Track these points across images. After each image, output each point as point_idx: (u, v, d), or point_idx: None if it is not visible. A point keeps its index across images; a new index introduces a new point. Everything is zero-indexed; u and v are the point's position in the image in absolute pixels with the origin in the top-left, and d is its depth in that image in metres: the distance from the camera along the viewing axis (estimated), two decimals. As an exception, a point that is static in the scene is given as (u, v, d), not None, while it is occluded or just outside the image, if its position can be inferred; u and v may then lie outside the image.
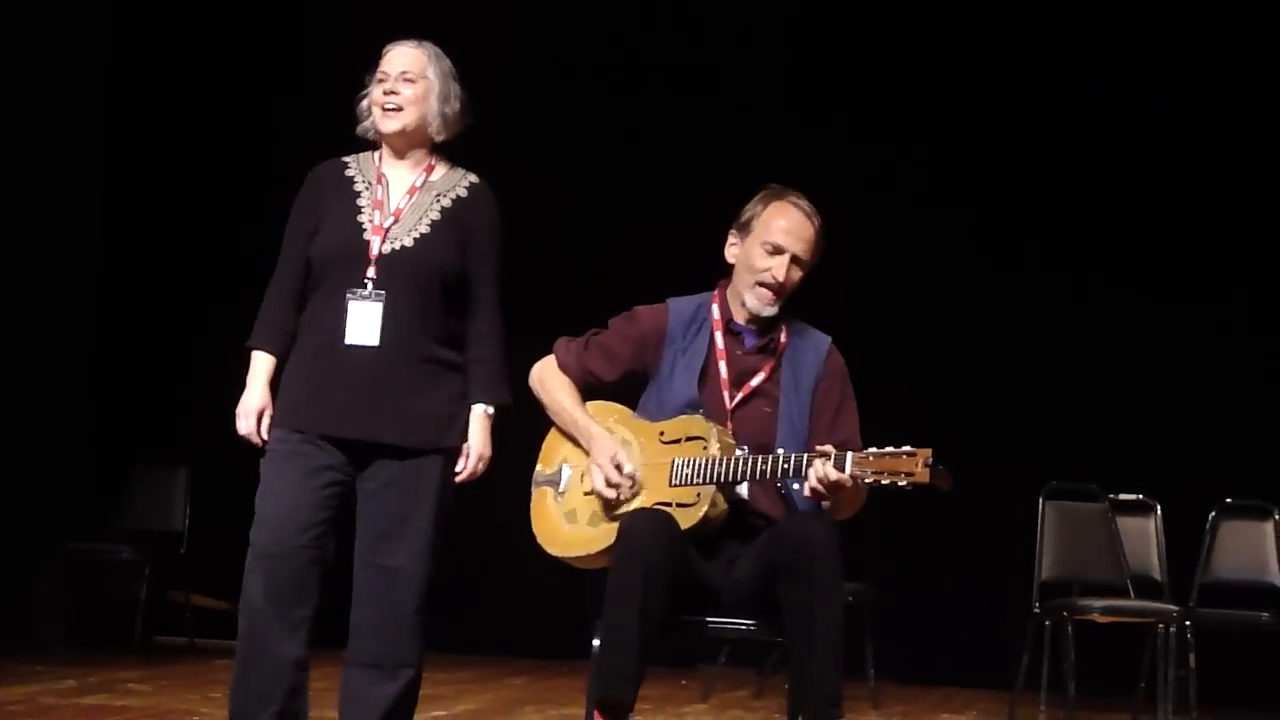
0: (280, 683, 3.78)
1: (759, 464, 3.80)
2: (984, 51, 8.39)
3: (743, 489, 3.91)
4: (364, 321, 3.83)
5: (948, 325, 8.23)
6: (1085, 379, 8.14)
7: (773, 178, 4.17)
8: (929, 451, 3.63)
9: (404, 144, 3.97)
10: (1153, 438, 7.86)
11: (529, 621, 8.09)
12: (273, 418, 3.90)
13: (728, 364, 4.03)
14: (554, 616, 7.21)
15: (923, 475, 3.62)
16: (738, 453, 3.87)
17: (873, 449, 3.71)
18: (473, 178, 4.02)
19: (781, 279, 4.00)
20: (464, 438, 3.91)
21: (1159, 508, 7.21)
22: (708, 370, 4.03)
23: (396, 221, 3.91)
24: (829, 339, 4.11)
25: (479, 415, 3.93)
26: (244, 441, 3.93)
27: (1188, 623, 6.82)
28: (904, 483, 3.65)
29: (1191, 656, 6.78)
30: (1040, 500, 7.05)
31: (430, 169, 4.00)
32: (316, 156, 4.08)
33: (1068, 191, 8.30)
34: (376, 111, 3.94)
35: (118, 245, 8.52)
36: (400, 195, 3.95)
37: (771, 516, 3.94)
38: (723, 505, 3.88)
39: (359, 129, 4.00)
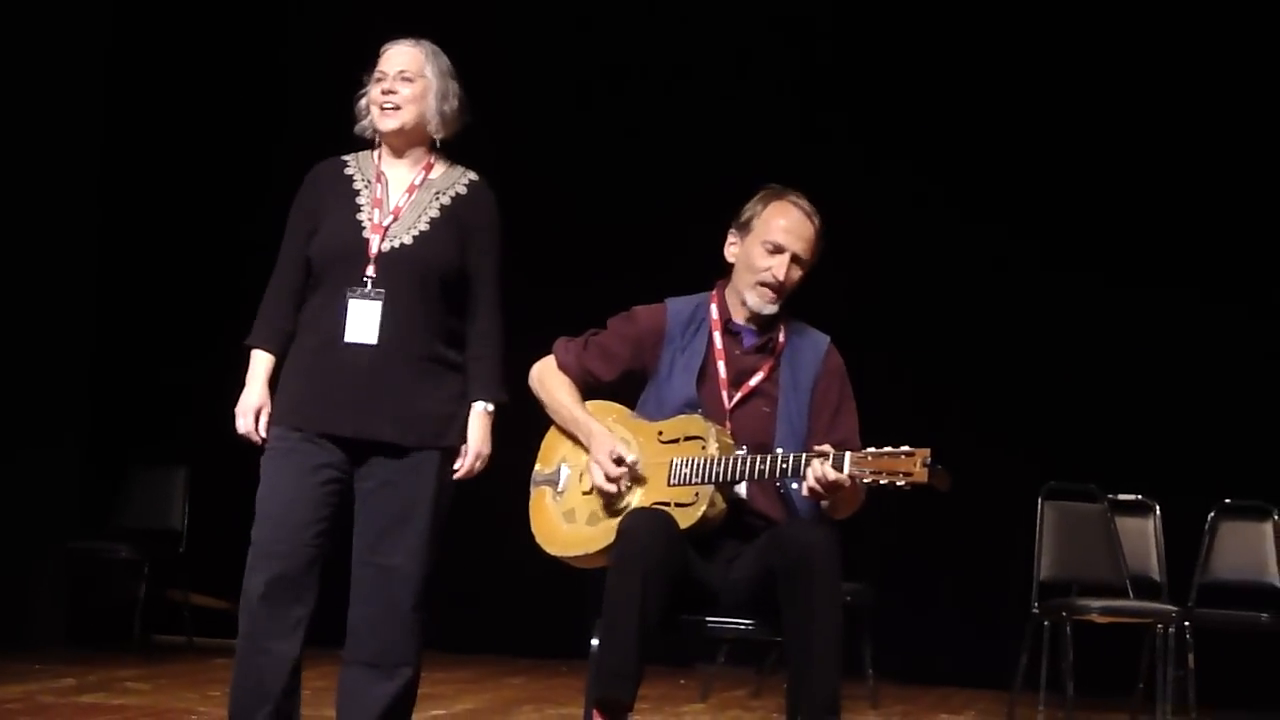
0: (277, 681, 3.78)
1: (757, 464, 3.80)
2: (979, 45, 8.39)
3: (741, 488, 3.91)
4: (363, 320, 3.83)
5: (946, 325, 8.23)
6: (1084, 379, 8.14)
7: (772, 177, 4.18)
8: (927, 451, 3.63)
9: (402, 142, 3.97)
10: (1152, 438, 7.86)
11: (527, 621, 8.09)
12: (271, 416, 3.90)
13: (726, 364, 4.03)
14: (552, 616, 7.21)
15: (921, 475, 3.62)
16: (736, 452, 3.87)
17: (871, 449, 3.71)
18: (472, 175, 4.02)
19: (782, 278, 4.00)
20: (463, 436, 3.91)
21: (1158, 508, 7.21)
22: (706, 370, 4.03)
23: (396, 220, 3.91)
24: (827, 338, 4.11)
25: (478, 413, 3.93)
26: (243, 440, 3.93)
27: (1186, 623, 6.82)
28: (902, 483, 3.65)
29: (1190, 657, 6.78)
30: (1039, 500, 7.04)
31: (429, 167, 4.00)
32: (316, 155, 4.08)
33: (1067, 191, 8.30)
34: (375, 110, 3.94)
35: (117, 243, 8.52)
36: (399, 193, 3.95)
37: (770, 516, 3.94)
38: (721, 505, 3.88)
39: (357, 128, 3.99)
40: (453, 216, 3.93)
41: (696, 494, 3.85)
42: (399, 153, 3.98)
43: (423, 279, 3.86)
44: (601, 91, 8.62)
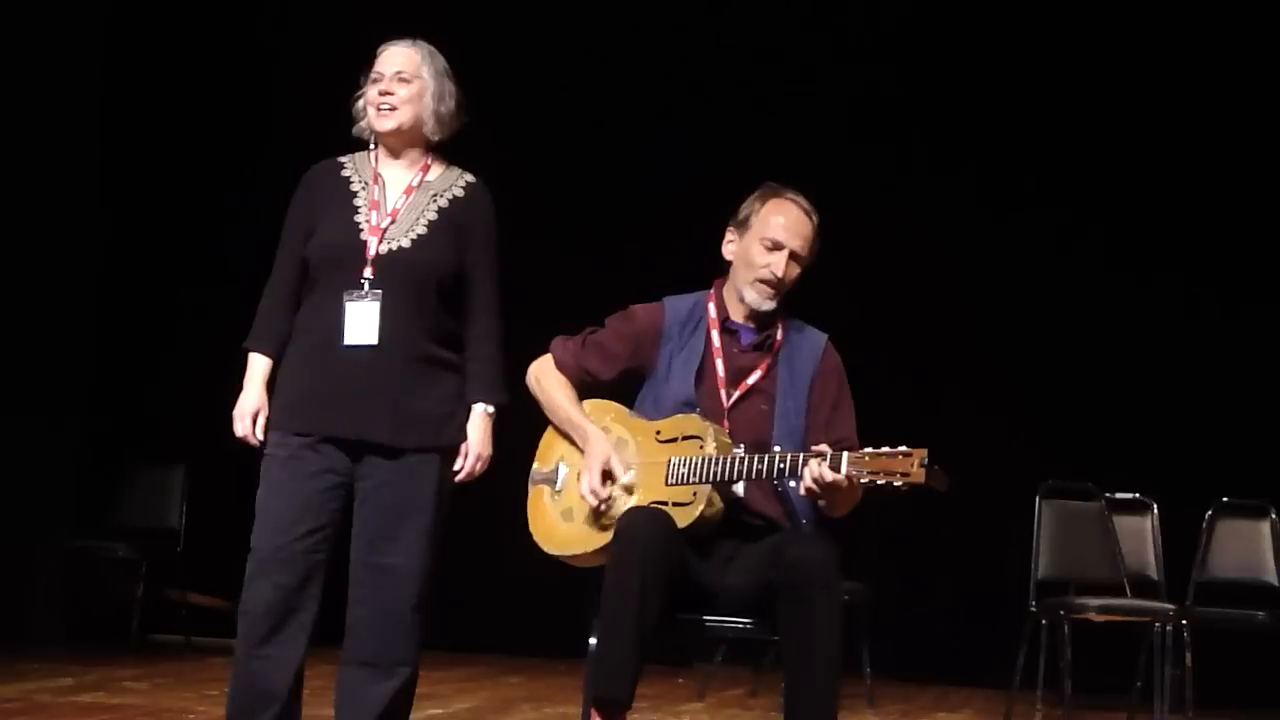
0: (280, 685, 3.78)
1: (755, 463, 3.80)
2: (980, 37, 8.39)
3: (739, 488, 3.91)
4: (361, 322, 3.83)
5: (944, 323, 8.22)
6: (1081, 377, 8.14)
7: (769, 175, 4.18)
8: (924, 452, 3.63)
9: (399, 143, 3.96)
10: (1149, 436, 7.87)
11: (525, 620, 8.08)
12: (269, 419, 3.89)
13: (724, 362, 4.03)
14: (551, 615, 7.16)
15: (918, 475, 3.62)
16: (734, 452, 3.87)
17: (868, 449, 3.71)
18: (469, 177, 4.02)
19: (780, 275, 4.01)
20: (461, 437, 3.91)
21: (1155, 506, 7.22)
22: (704, 369, 4.03)
23: (393, 222, 3.91)
24: (825, 336, 4.12)
25: (479, 414, 3.93)
26: (240, 443, 3.93)
27: (1184, 621, 6.82)
28: (899, 483, 3.65)
29: (1188, 655, 6.78)
30: (1036, 499, 7.05)
31: (426, 168, 3.99)
32: (313, 156, 4.08)
33: (1066, 190, 8.30)
34: (371, 111, 3.93)
35: (117, 242, 8.52)
36: (397, 195, 3.95)
37: (768, 515, 3.95)
38: (719, 504, 3.88)
39: (355, 129, 3.99)
40: (450, 219, 3.93)
41: (694, 493, 3.85)
42: (396, 153, 3.98)
43: (420, 282, 3.85)
44: (599, 91, 8.61)
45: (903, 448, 3.66)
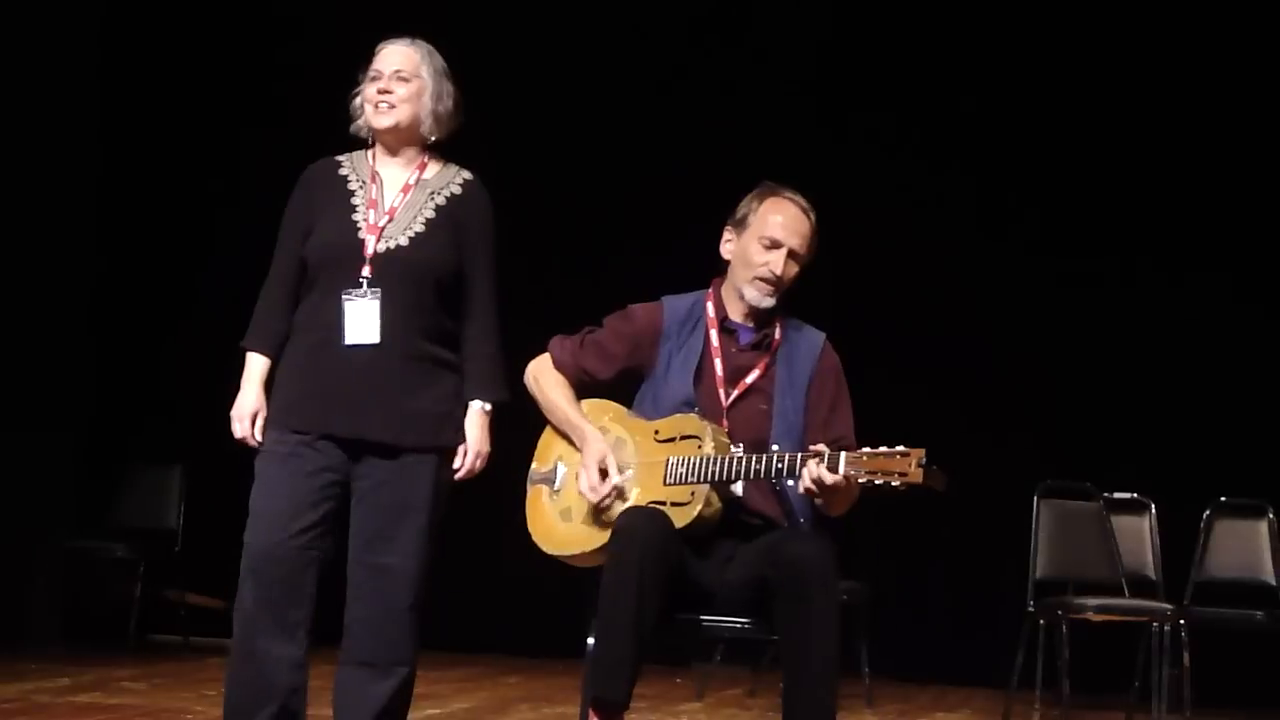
0: (277, 684, 3.78)
1: (753, 463, 3.80)
2: (973, 40, 8.39)
3: (737, 487, 3.91)
4: (362, 320, 3.83)
5: (942, 322, 8.22)
6: (1079, 377, 8.15)
7: (767, 174, 4.18)
8: (922, 451, 3.63)
9: (397, 141, 3.96)
10: (1147, 436, 7.87)
11: (524, 620, 8.08)
12: (267, 417, 3.89)
13: (723, 362, 4.03)
14: (549, 615, 7.18)
15: (916, 475, 3.62)
16: (732, 451, 3.87)
17: (866, 449, 3.71)
18: (466, 174, 4.02)
19: (779, 273, 4.01)
20: (460, 435, 3.91)
21: (1153, 506, 7.22)
22: (703, 368, 4.03)
23: (391, 220, 3.91)
24: (823, 336, 4.12)
25: (477, 412, 3.93)
26: (239, 444, 3.92)
27: (1182, 621, 6.83)
28: (897, 483, 3.65)
29: (1186, 655, 6.79)
30: (1035, 498, 7.05)
31: (423, 166, 3.99)
32: (312, 156, 4.08)
33: (1065, 189, 8.31)
34: (369, 108, 3.93)
35: (114, 241, 8.51)
36: (394, 193, 3.95)
37: (767, 515, 3.95)
38: (717, 504, 3.88)
39: (352, 127, 3.99)
40: (448, 217, 3.93)
41: (692, 493, 3.85)
42: (393, 151, 3.97)
43: (418, 280, 3.85)
44: (597, 89, 8.61)
45: (900, 447, 3.66)
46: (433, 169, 4.00)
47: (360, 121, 3.97)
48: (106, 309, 8.47)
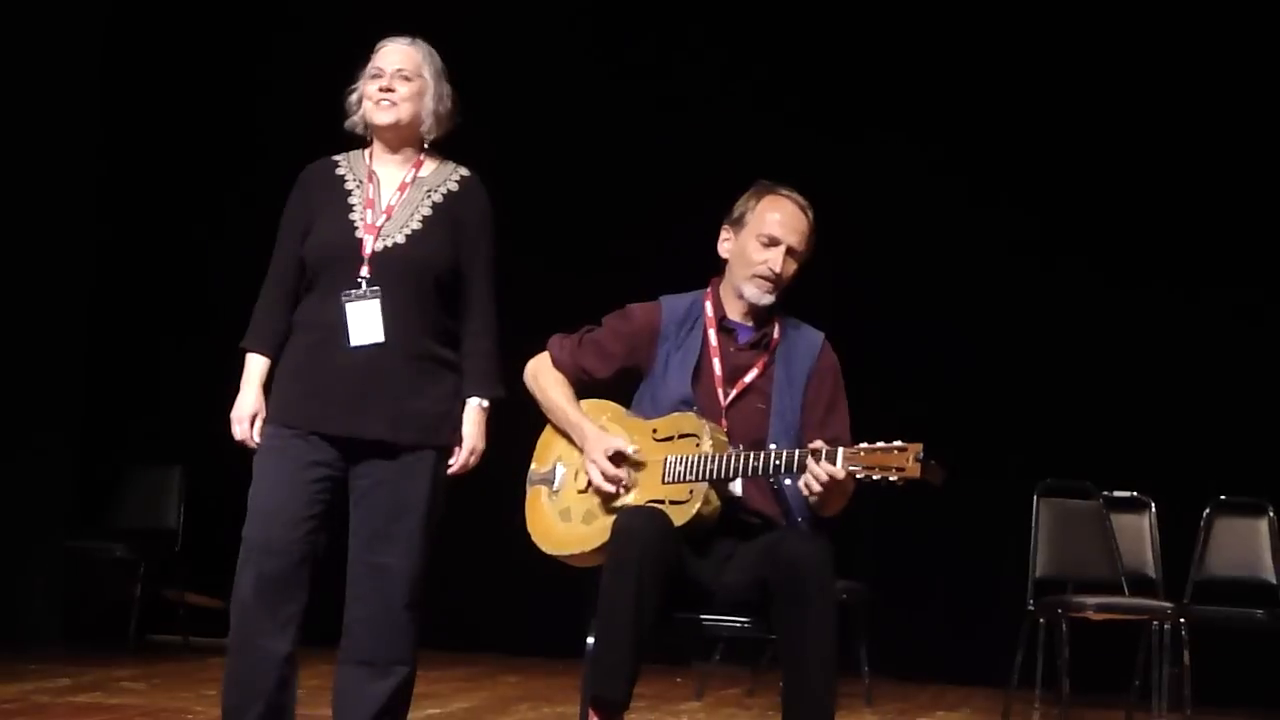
0: (268, 678, 3.78)
1: (751, 461, 3.81)
2: (971, 41, 8.40)
3: (736, 486, 3.91)
4: (365, 321, 3.83)
5: (941, 320, 8.23)
6: (1079, 376, 8.15)
7: (764, 174, 4.18)
8: (920, 446, 3.63)
9: (397, 139, 3.96)
10: (1147, 435, 7.87)
11: (523, 619, 8.09)
12: (265, 416, 3.89)
13: (721, 361, 4.03)
14: (549, 614, 7.18)
15: (914, 470, 3.63)
16: (731, 450, 3.87)
17: (864, 444, 3.71)
18: (463, 171, 4.02)
19: (778, 270, 4.01)
20: (457, 433, 3.91)
21: (1153, 505, 7.23)
22: (701, 367, 4.03)
23: (389, 219, 3.91)
24: (822, 335, 4.12)
25: (473, 408, 3.93)
26: (239, 446, 3.92)
27: (1182, 620, 6.83)
28: (895, 478, 3.65)
29: (1186, 653, 6.79)
30: (1034, 497, 7.05)
31: (419, 164, 3.99)
32: (310, 157, 4.08)
33: (1064, 187, 8.31)
34: (369, 105, 3.93)
35: (112, 242, 8.51)
36: (391, 192, 3.95)
37: (765, 513, 3.95)
38: (715, 502, 3.88)
39: (347, 123, 3.98)
40: (445, 214, 3.93)
41: (691, 491, 3.85)
42: (391, 149, 3.97)
43: (416, 277, 3.85)
44: (595, 88, 8.61)
45: (898, 442, 3.67)
46: (429, 166, 4.00)
47: (356, 118, 3.97)
48: (106, 309, 8.47)
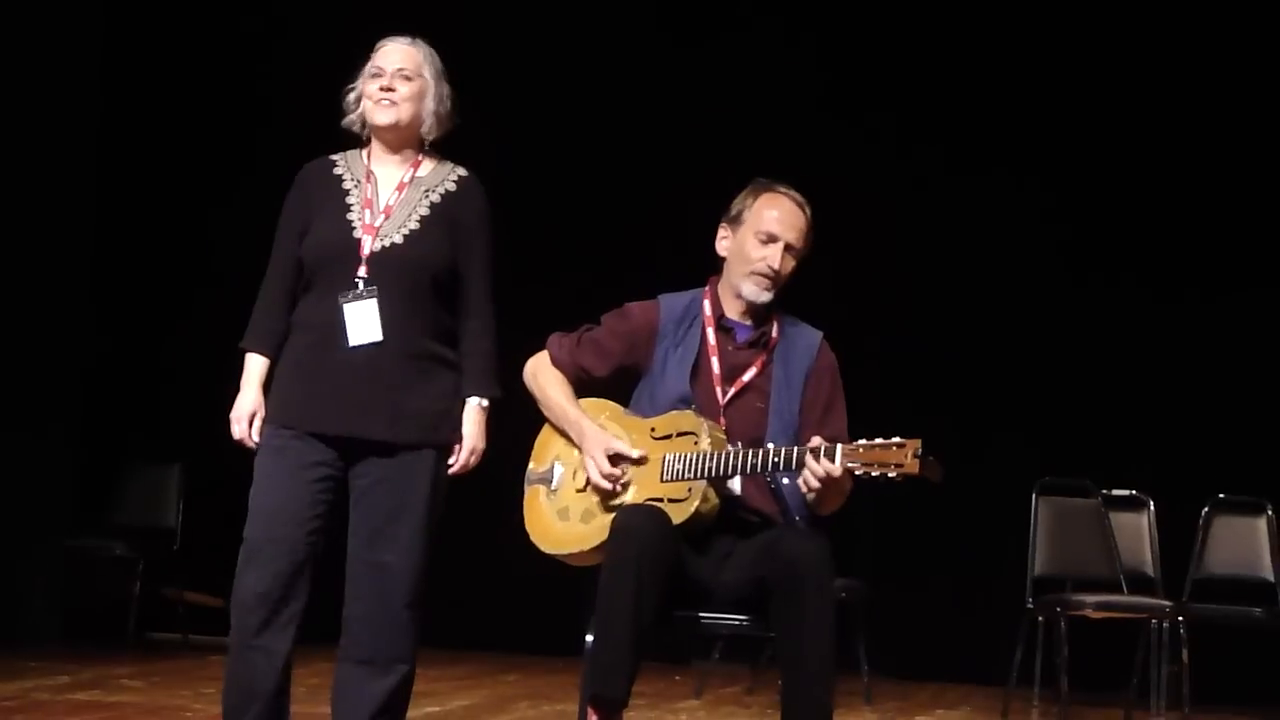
0: (268, 678, 3.78)
1: (750, 459, 3.81)
2: (970, 41, 8.40)
3: (735, 484, 3.91)
4: (363, 320, 3.83)
5: (939, 318, 8.23)
6: (1078, 374, 8.15)
7: (763, 172, 4.18)
8: (918, 442, 3.63)
9: (396, 139, 3.96)
10: (1146, 433, 7.88)
11: (523, 618, 8.08)
12: (265, 416, 3.90)
13: (719, 359, 4.04)
14: (548, 613, 7.18)
15: (912, 466, 3.63)
16: (729, 448, 3.87)
17: (862, 440, 3.71)
18: (461, 171, 4.02)
19: (777, 266, 4.01)
20: (457, 433, 3.91)
21: (1152, 503, 7.23)
22: (700, 366, 4.03)
23: (387, 219, 3.90)
24: (820, 334, 4.12)
25: (473, 408, 3.93)
26: (238, 445, 3.93)
27: (1181, 618, 6.83)
28: (894, 474, 3.65)
29: (1185, 652, 6.79)
30: (1033, 495, 7.06)
31: (417, 164, 3.99)
32: (308, 157, 4.08)
33: (1063, 186, 8.31)
34: (368, 104, 3.93)
35: (111, 240, 8.51)
36: (389, 192, 3.94)
37: (764, 511, 3.95)
38: (714, 500, 3.88)
39: (345, 121, 3.97)
40: (443, 213, 3.93)
41: (689, 489, 3.85)
42: (390, 149, 3.97)
43: (415, 277, 3.85)
44: (592, 87, 8.61)
45: (896, 438, 3.67)
46: (427, 166, 3.99)
47: (354, 116, 3.96)
48: (105, 307, 8.47)
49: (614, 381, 4.12)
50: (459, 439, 3.91)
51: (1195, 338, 8.01)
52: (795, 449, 3.78)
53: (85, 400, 8.37)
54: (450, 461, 3.91)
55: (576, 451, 4.03)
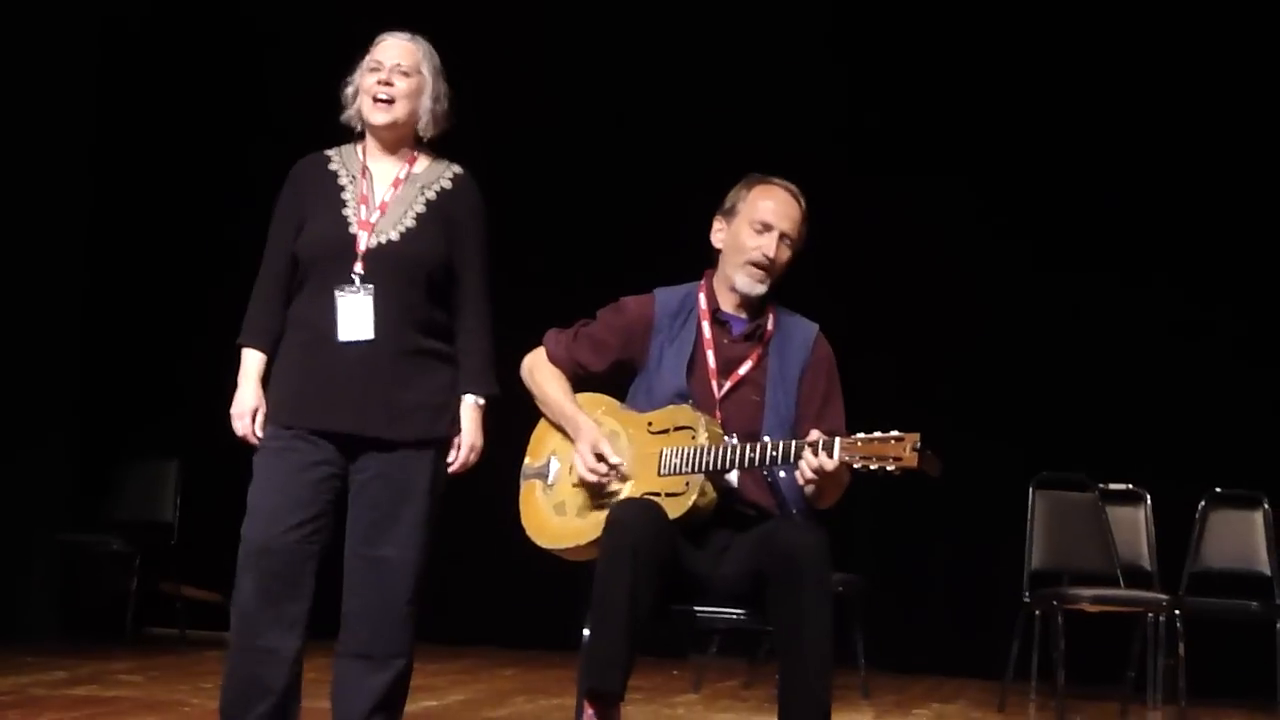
0: (276, 677, 3.77)
1: (747, 452, 3.81)
2: (968, 40, 8.40)
3: (731, 477, 3.92)
4: (356, 316, 3.82)
5: (937, 313, 8.23)
6: (1075, 368, 8.16)
7: (760, 167, 4.18)
8: (917, 436, 3.63)
9: (392, 137, 3.95)
10: (1142, 427, 7.88)
11: (519, 612, 8.10)
12: (265, 414, 3.89)
13: (715, 353, 4.04)
14: (544, 607, 7.21)
15: (910, 460, 3.63)
16: (726, 441, 3.87)
17: (860, 434, 3.71)
18: (457, 169, 4.01)
19: (772, 255, 4.01)
20: (455, 428, 3.91)
21: (1149, 497, 7.23)
22: (696, 360, 4.03)
23: (382, 215, 3.90)
24: (816, 327, 4.12)
25: (469, 406, 3.93)
26: (240, 442, 3.92)
27: (1177, 612, 6.84)
28: (892, 467, 3.65)
29: (1181, 645, 6.80)
30: (1030, 489, 7.06)
31: (413, 161, 3.98)
32: (304, 149, 4.07)
33: (1060, 184, 8.31)
34: (366, 101, 3.92)
35: (106, 236, 8.52)
36: (385, 188, 3.94)
37: (761, 505, 3.95)
38: (711, 494, 3.88)
39: (343, 116, 3.97)
40: (439, 210, 3.92)
41: (687, 483, 3.86)
42: (386, 145, 3.96)
43: (410, 274, 3.85)
44: (589, 85, 8.60)
45: (895, 432, 3.66)
46: (423, 163, 3.99)
47: (351, 111, 3.96)
48: (103, 304, 8.47)
49: (610, 376, 4.12)
50: (458, 432, 3.91)
51: (1192, 333, 8.01)
52: (793, 442, 3.77)
53: (82, 396, 8.38)
54: (449, 459, 3.91)
55: (572, 446, 4.04)
